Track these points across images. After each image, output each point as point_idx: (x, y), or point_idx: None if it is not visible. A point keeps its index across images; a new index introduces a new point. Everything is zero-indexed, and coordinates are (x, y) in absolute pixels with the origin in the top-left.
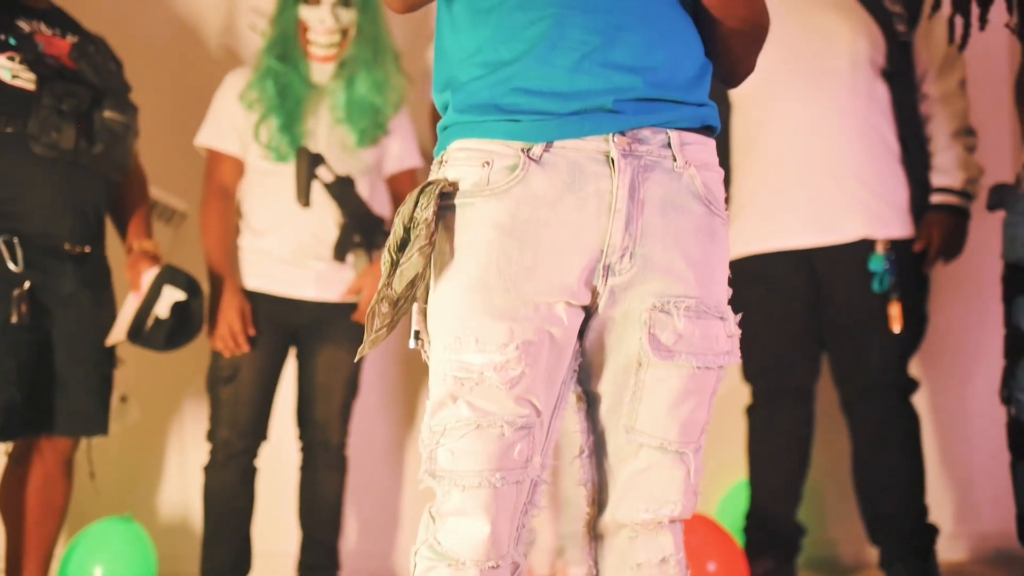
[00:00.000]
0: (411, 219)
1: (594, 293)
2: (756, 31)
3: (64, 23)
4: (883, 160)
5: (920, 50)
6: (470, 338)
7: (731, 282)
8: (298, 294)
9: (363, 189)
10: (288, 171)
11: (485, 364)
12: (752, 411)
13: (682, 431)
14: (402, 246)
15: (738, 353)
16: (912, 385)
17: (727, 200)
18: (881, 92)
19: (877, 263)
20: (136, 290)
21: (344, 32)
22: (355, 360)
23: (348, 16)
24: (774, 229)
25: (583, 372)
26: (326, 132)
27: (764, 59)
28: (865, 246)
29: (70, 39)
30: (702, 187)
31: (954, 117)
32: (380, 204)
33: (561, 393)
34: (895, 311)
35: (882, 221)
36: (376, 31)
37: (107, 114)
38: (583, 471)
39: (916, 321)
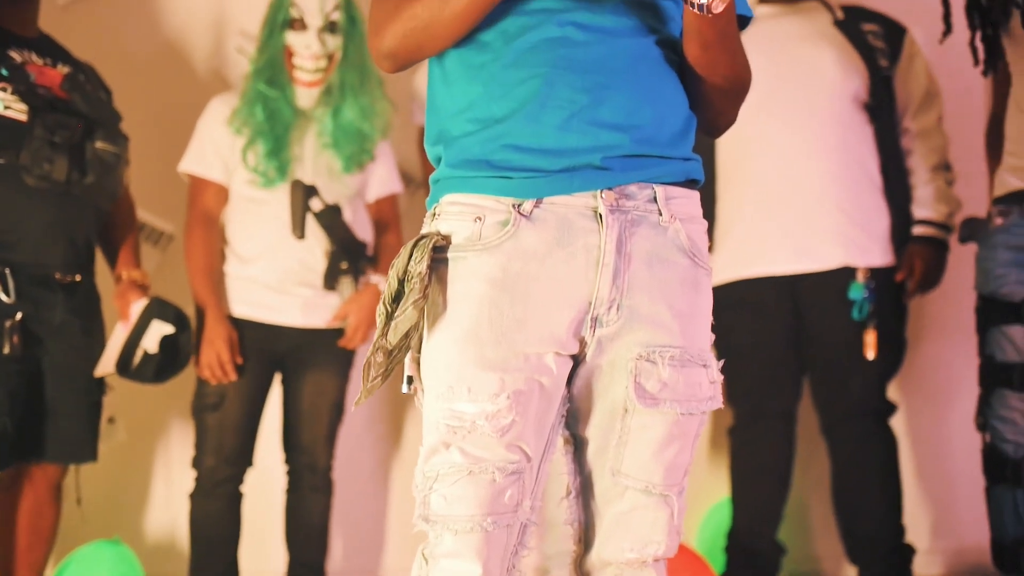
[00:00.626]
0: (405, 272)
1: (582, 343)
2: (738, 87)
3: (55, 52)
4: (864, 190)
5: (900, 86)
6: (463, 388)
7: (715, 306)
8: (284, 321)
9: (347, 214)
10: (274, 198)
11: (477, 413)
12: (735, 432)
13: (666, 474)
14: (396, 298)
15: (720, 398)
16: (890, 409)
17: (712, 224)
18: (863, 125)
19: (857, 291)
20: (124, 320)
21: (330, 57)
22: (352, 409)
23: (334, 42)
24: (757, 256)
25: (571, 417)
26: (312, 157)
27: (750, 91)
28: (846, 274)
29: (61, 69)
30: (687, 240)
31: (933, 152)
32: (362, 228)
33: (550, 438)
34: (870, 338)
35: (862, 250)
36: (361, 57)
37: (99, 145)
38: (570, 511)
39: (895, 347)
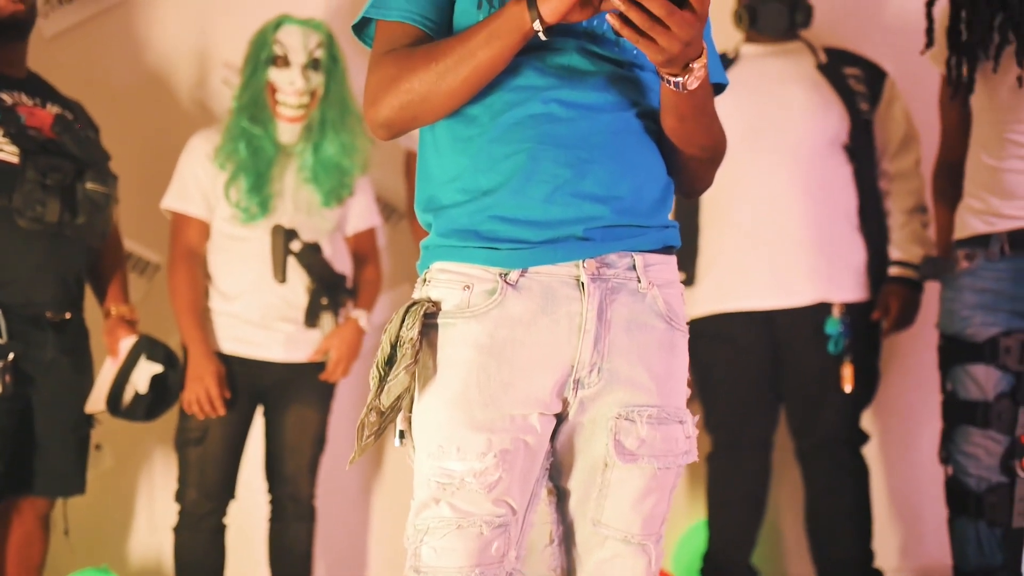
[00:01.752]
0: (398, 337)
1: (565, 402)
2: (714, 154)
3: (44, 92)
4: (841, 229)
5: (879, 129)
6: (452, 448)
7: (697, 338)
8: (267, 356)
9: (326, 248)
10: (254, 235)
11: (466, 471)
12: (712, 459)
13: (644, 525)
14: (389, 361)
15: (695, 452)
16: (863, 438)
17: (695, 257)
18: (842, 165)
19: (832, 326)
20: (113, 356)
21: (312, 94)
22: (347, 467)
23: (317, 78)
24: (737, 291)
25: (554, 469)
26: (293, 193)
27: (734, 129)
28: (822, 309)
29: (51, 109)
30: (664, 306)
31: (910, 195)
32: (341, 261)
33: (534, 491)
34: (847, 372)
35: (838, 286)
36: (342, 94)
37: (89, 186)
38: (553, 558)
39: (869, 379)
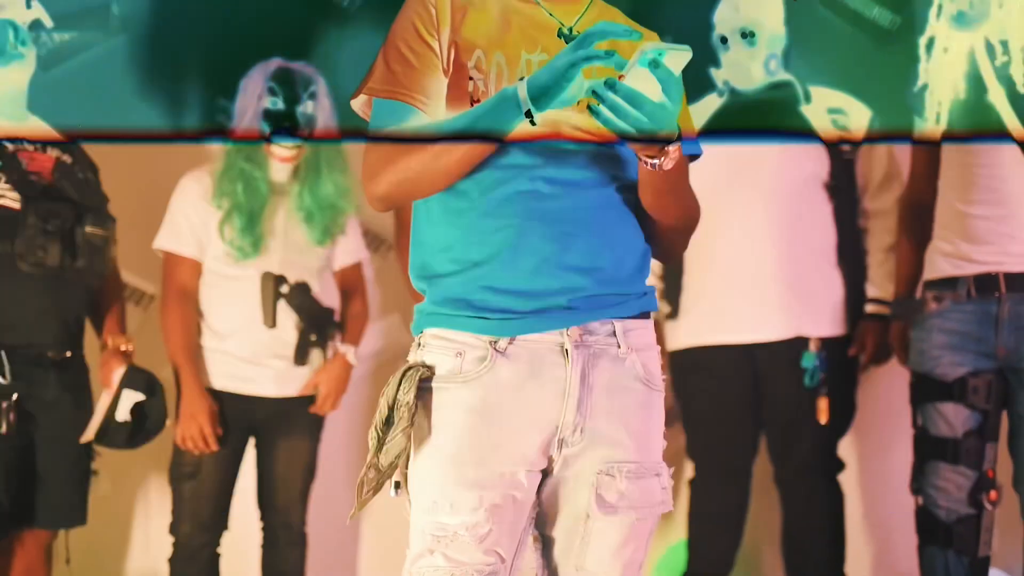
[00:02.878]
0: (395, 400)
1: (550, 459)
2: (688, 224)
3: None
4: (818, 266)
5: (862, 168)
6: (446, 503)
7: (681, 369)
8: (259, 391)
9: (314, 285)
10: (246, 274)
11: (458, 525)
12: (694, 484)
13: (624, 571)
14: (387, 422)
15: (671, 502)
16: (839, 466)
17: (680, 291)
18: (823, 204)
19: (809, 360)
20: (108, 387)
21: None
22: (347, 522)
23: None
24: (718, 325)
25: (540, 519)
26: (284, 231)
27: (715, 167)
28: (799, 344)
29: (51, 153)
30: (642, 369)
31: (888, 233)
32: (329, 295)
33: (521, 539)
34: (823, 405)
35: (814, 321)
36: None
37: (88, 229)
38: None
39: (846, 410)
